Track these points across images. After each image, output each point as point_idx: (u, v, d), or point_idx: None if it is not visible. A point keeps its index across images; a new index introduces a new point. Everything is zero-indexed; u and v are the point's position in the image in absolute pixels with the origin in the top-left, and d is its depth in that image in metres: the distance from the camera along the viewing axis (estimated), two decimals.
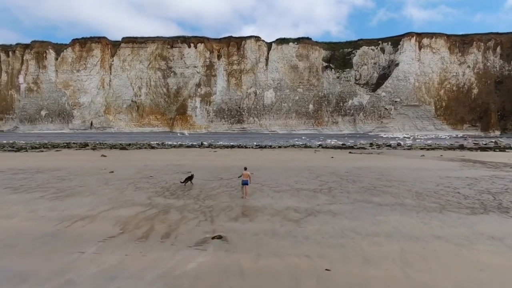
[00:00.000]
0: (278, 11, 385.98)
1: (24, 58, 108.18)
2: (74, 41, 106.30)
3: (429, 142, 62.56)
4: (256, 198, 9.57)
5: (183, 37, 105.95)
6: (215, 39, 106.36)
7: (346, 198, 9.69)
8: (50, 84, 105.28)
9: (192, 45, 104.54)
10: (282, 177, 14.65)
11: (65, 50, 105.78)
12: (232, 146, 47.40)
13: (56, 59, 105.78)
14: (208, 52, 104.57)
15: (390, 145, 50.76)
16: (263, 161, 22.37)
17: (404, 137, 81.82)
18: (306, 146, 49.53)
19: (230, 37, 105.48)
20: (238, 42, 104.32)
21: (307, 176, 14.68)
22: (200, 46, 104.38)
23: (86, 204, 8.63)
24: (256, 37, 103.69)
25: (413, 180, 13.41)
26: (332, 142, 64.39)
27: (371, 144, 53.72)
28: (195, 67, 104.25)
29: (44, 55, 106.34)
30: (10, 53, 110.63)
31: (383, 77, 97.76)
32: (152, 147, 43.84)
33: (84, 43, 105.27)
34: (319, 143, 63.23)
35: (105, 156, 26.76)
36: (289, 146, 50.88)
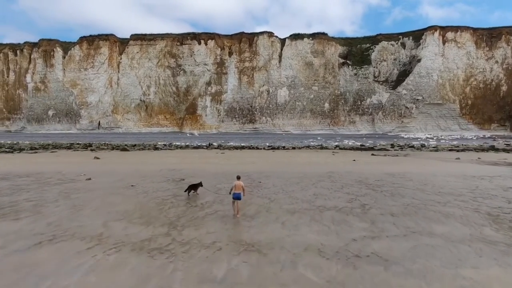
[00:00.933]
0: (291, 11, 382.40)
1: (31, 57, 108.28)
2: (82, 39, 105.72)
3: (454, 142, 58.73)
4: (260, 225, 6.74)
5: (193, 33, 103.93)
6: (226, 36, 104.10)
7: (392, 225, 6.75)
8: (58, 83, 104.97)
9: (202, 41, 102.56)
10: (297, 187, 11.83)
11: (72, 48, 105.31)
12: (243, 147, 44.94)
13: (64, 57, 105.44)
14: (219, 49, 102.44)
15: (413, 146, 47.74)
16: (274, 165, 19.51)
17: (427, 137, 78.10)
18: (322, 147, 46.53)
19: (242, 33, 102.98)
20: (250, 38, 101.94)
21: (329, 187, 11.76)
22: (211, 43, 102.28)
23: (5, 234, 5.95)
24: (269, 32, 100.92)
25: (471, 194, 10.33)
26: (350, 143, 61.66)
27: (392, 145, 50.64)
28: (205, 64, 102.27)
29: (52, 53, 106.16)
30: (18, 52, 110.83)
31: (404, 73, 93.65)
32: (156, 148, 41.52)
33: (92, 41, 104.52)
34: (336, 143, 60.58)
35: (98, 158, 24.35)
36: (303, 147, 47.99)
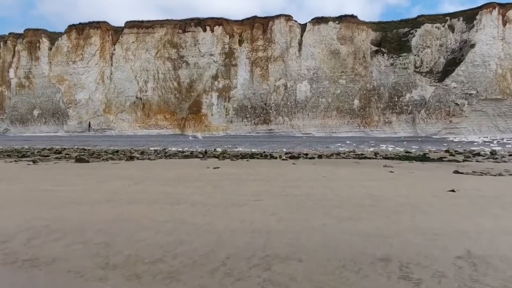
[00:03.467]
0: (309, 11, 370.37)
1: (15, 49, 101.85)
2: (71, 28, 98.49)
3: None
4: None
5: (197, 19, 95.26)
6: (236, 21, 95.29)
7: None
8: (43, 79, 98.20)
9: (208, 28, 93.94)
10: None
11: (60, 39, 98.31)
12: (252, 155, 35.70)
13: (50, 49, 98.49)
14: (228, 37, 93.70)
15: (478, 154, 38.16)
16: (303, 214, 9.40)
17: (484, 141, 67.31)
18: (359, 156, 36.41)
19: (255, 17, 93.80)
20: (264, 24, 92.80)
21: None
22: (218, 30, 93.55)
23: None
24: (286, 16, 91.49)
25: None
26: (390, 149, 52.40)
27: (448, 152, 41.94)
28: (211, 55, 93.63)
29: (37, 45, 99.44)
30: (1, 44, 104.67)
31: (453, 62, 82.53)
32: (131, 157, 31.96)
33: (82, 29, 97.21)
34: (371, 149, 51.30)
35: None
36: (332, 154, 38.11)
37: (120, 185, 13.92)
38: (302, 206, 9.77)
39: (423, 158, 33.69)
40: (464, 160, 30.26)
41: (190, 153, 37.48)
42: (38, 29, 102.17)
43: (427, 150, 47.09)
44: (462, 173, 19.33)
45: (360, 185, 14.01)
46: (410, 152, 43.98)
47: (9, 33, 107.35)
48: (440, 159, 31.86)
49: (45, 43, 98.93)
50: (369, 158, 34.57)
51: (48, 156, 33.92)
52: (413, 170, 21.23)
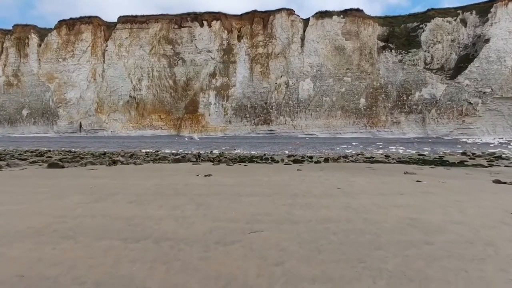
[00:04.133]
0: (309, 10, 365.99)
1: (3, 46, 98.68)
2: (61, 23, 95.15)
3: None
4: None
5: (194, 13, 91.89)
6: (234, 16, 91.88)
7: None
8: (32, 77, 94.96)
9: (205, 23, 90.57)
10: None
11: (49, 34, 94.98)
12: (252, 159, 32.91)
13: (39, 45, 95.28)
14: (226, 32, 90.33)
15: (500, 157, 36.18)
16: (319, 244, 6.22)
17: (500, 142, 64.53)
18: (369, 160, 33.44)
19: (254, 11, 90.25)
20: (264, 18, 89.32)
21: None
22: (216, 25, 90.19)
23: None
24: (288, 10, 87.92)
25: None
26: (400, 151, 49.87)
27: (466, 155, 39.70)
28: (209, 51, 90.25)
29: (26, 41, 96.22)
30: None
31: (466, 59, 79.08)
32: (114, 162, 28.82)
33: (73, 24, 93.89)
34: (381, 151, 48.78)
35: None
36: (339, 157, 35.15)
37: (74, 203, 10.70)
38: (322, 247, 6.55)
39: (442, 162, 30.78)
40: (489, 165, 27.27)
41: (182, 157, 34.32)
42: (27, 24, 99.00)
43: (441, 153, 44.37)
44: (505, 182, 16.15)
45: (390, 203, 10.77)
46: (423, 155, 41.24)
47: None
48: (462, 163, 28.99)
49: (34, 39, 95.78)
50: (382, 162, 31.68)
51: (26, 159, 31.08)
52: (442, 178, 18.02)
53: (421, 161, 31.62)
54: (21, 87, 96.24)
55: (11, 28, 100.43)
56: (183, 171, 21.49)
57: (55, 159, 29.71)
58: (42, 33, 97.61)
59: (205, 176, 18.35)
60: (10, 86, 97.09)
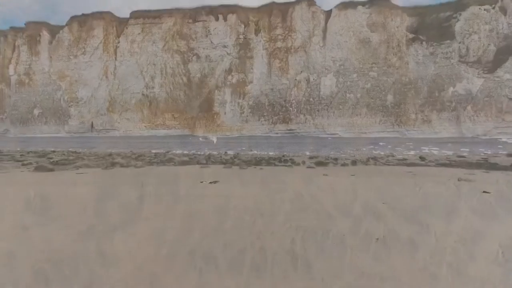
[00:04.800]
0: (332, 3, 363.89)
1: (15, 44, 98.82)
2: (73, 19, 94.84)
3: None
4: None
5: (209, 7, 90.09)
6: (251, 8, 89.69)
7: None
8: (43, 75, 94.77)
9: (220, 17, 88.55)
10: None
11: (61, 31, 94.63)
12: (269, 160, 28.96)
13: (51, 42, 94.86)
14: (242, 26, 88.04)
15: None
16: None
17: None
18: (405, 162, 28.97)
19: (272, 3, 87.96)
20: (283, 10, 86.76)
21: None
22: (232, 18, 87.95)
23: None
24: (309, 0, 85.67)
25: None
26: (434, 152, 44.59)
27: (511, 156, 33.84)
28: (224, 46, 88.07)
29: (38, 38, 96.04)
30: (2, 39, 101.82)
31: (506, 50, 74.31)
32: (114, 164, 25.54)
33: (84, 21, 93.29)
34: (412, 152, 43.78)
35: None
36: (369, 159, 30.78)
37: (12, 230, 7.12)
38: None
39: (490, 165, 26.33)
40: None
41: (190, 159, 30.87)
42: (39, 21, 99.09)
43: (482, 154, 39.75)
44: None
45: (471, 238, 6.68)
46: (463, 156, 36.47)
47: (10, 27, 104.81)
48: None
49: (45, 36, 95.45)
50: (418, 164, 27.27)
51: (22, 161, 28.58)
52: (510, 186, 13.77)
53: (465, 163, 27.40)
54: (32, 86, 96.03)
55: (23, 25, 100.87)
56: (186, 175, 17.82)
57: (53, 161, 27.01)
58: (54, 30, 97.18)
59: (210, 183, 14.60)
60: (22, 85, 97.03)
